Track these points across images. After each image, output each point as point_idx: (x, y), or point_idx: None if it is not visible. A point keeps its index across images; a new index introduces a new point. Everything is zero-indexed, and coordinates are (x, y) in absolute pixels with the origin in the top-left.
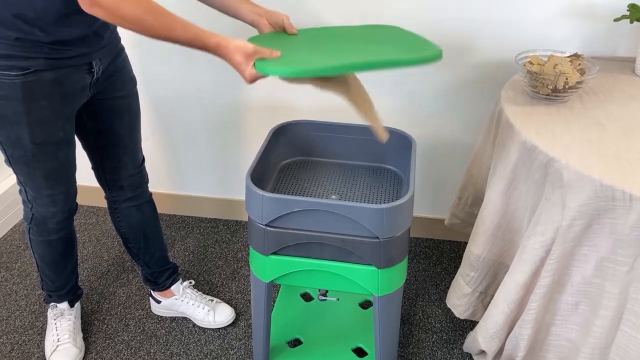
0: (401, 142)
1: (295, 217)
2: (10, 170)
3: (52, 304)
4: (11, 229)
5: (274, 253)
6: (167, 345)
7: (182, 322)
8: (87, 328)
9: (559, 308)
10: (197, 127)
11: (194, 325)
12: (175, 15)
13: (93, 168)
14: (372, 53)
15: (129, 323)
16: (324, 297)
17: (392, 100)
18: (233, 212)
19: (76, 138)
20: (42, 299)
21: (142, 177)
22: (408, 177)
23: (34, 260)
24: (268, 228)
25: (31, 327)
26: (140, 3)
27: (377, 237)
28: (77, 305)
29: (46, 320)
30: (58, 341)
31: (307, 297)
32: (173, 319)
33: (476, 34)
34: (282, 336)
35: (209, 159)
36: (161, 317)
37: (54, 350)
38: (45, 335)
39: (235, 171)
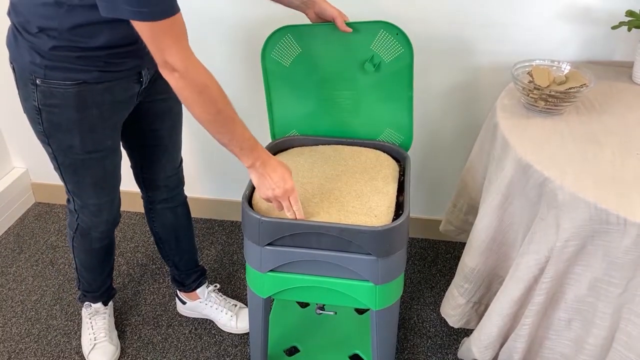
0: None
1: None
2: (2, 174)
3: (86, 303)
4: (5, 231)
5: (271, 270)
6: (163, 352)
7: (179, 329)
8: None
9: (553, 323)
10: (193, 129)
11: (190, 332)
12: (239, 121)
13: (131, 167)
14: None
15: (126, 330)
16: (321, 311)
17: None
18: (228, 213)
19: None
20: (77, 297)
21: (178, 179)
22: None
23: (74, 263)
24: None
25: (27, 335)
26: (213, 97)
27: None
28: (111, 303)
29: (43, 328)
30: (95, 339)
31: (303, 304)
32: (169, 324)
33: (473, 38)
34: (280, 345)
35: (204, 160)
36: (157, 324)
37: (92, 349)
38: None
39: (229, 172)
